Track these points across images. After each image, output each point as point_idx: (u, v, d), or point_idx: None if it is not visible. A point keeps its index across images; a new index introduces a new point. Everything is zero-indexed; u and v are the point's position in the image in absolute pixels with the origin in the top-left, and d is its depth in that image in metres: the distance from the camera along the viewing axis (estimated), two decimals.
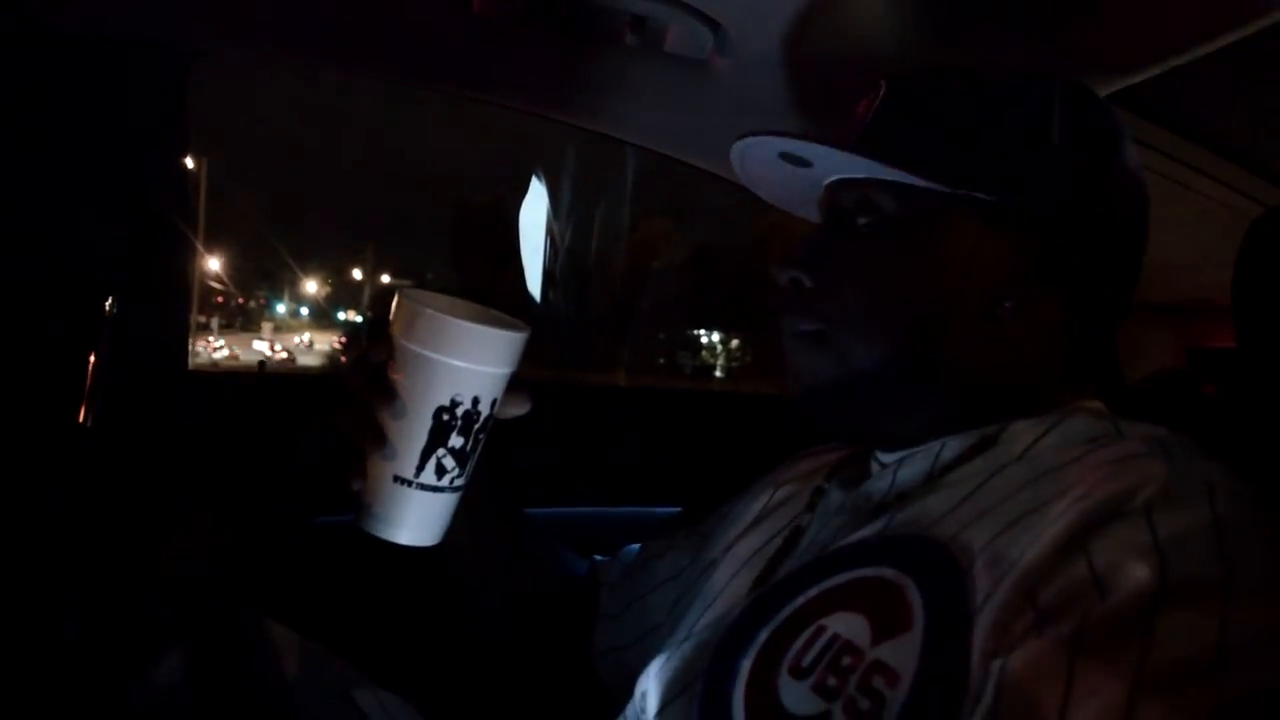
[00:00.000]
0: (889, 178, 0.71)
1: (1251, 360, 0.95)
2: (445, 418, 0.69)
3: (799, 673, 0.61)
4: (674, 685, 0.71)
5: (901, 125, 0.74)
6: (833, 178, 0.76)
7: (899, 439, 0.75)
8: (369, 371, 0.71)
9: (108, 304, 1.20)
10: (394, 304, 0.70)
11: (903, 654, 0.57)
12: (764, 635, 0.65)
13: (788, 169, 0.77)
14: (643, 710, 0.76)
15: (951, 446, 0.71)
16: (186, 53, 1.29)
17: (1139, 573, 0.51)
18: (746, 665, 0.64)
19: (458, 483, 0.72)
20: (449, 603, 1.29)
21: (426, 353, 0.68)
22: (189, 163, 1.45)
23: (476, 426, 0.71)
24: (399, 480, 0.70)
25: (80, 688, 0.70)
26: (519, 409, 0.78)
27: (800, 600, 0.66)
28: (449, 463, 0.70)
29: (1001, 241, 0.71)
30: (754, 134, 0.75)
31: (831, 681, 0.59)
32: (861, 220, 0.73)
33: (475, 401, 0.70)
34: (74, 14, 1.15)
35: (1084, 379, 0.75)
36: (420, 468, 0.70)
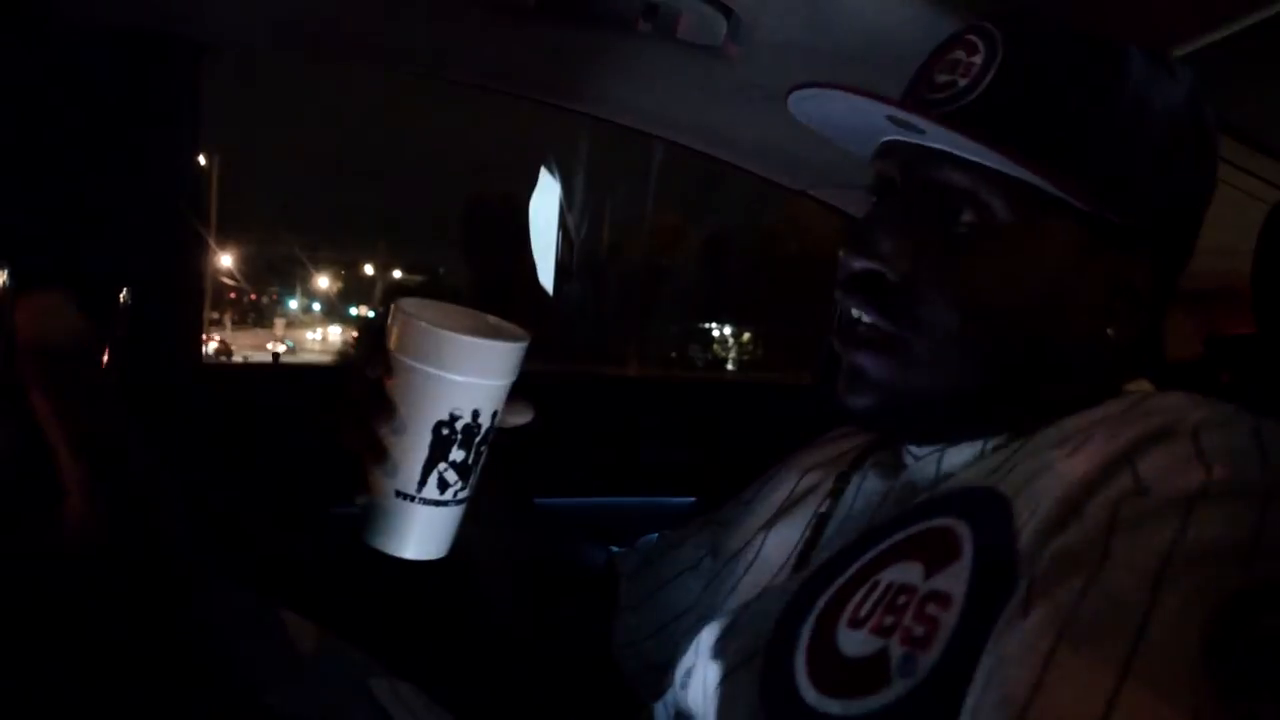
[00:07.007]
0: (1035, 182, 0.62)
1: (1270, 347, 0.94)
2: (445, 432, 0.68)
3: (857, 623, 0.60)
4: (735, 657, 0.70)
5: (1029, 108, 0.64)
6: (933, 145, 0.66)
7: (947, 439, 0.72)
8: (366, 386, 0.69)
9: (123, 294, 1.21)
10: (389, 316, 0.69)
11: (954, 580, 0.57)
12: (822, 602, 0.65)
13: (855, 115, 0.68)
14: (684, 685, 0.75)
15: (998, 438, 0.69)
16: (199, 45, 1.30)
17: (1182, 477, 0.52)
18: (807, 630, 0.64)
19: (461, 495, 0.71)
20: (466, 594, 1.29)
21: (422, 367, 0.66)
22: (201, 158, 1.46)
23: (477, 439, 0.69)
24: (401, 496, 0.69)
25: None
26: (521, 418, 0.76)
27: (854, 567, 0.65)
28: (451, 476, 0.69)
29: (1117, 261, 0.66)
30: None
31: (888, 620, 0.58)
32: (965, 217, 0.65)
33: (475, 415, 0.68)
34: (89, 6, 1.15)
35: (1136, 369, 0.72)
36: (422, 483, 0.68)
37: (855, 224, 0.69)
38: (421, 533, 0.70)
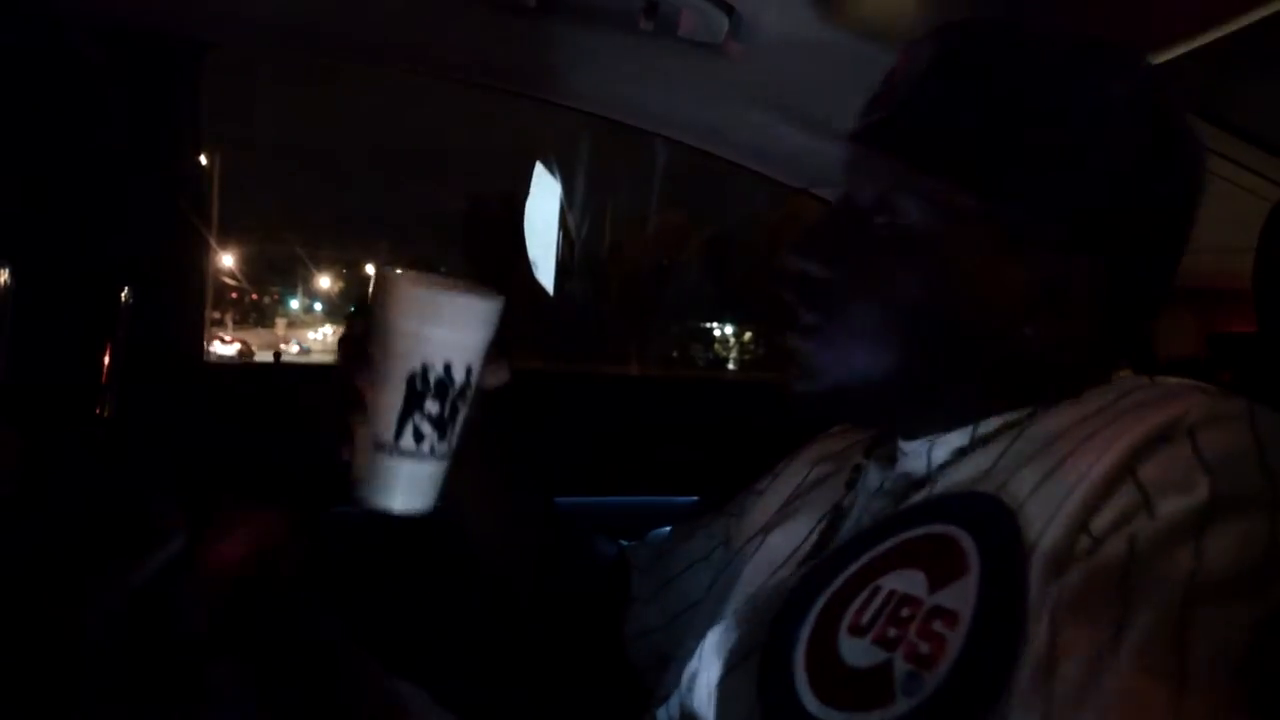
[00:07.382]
0: (935, 184, 0.66)
1: (1271, 345, 0.94)
2: (418, 385, 0.71)
3: (858, 630, 0.60)
4: (733, 656, 0.71)
5: (943, 108, 0.67)
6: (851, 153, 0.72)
7: (921, 431, 0.73)
8: (350, 344, 0.74)
9: (124, 293, 1.21)
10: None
11: (961, 597, 0.57)
12: (821, 602, 0.65)
13: None
14: (690, 688, 0.75)
15: (987, 424, 0.69)
16: (200, 45, 1.30)
17: (1187, 490, 0.52)
18: (805, 632, 0.64)
19: (439, 449, 0.73)
20: (474, 591, 1.29)
21: (391, 318, 0.70)
22: (201, 157, 1.46)
23: (453, 393, 0.72)
24: (379, 447, 0.72)
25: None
26: (498, 379, 0.80)
27: (853, 567, 0.65)
28: (426, 428, 0.72)
29: (1034, 263, 0.66)
30: None
31: (892, 633, 0.58)
32: (879, 219, 0.69)
33: (447, 368, 0.71)
34: (90, 5, 1.15)
35: (1118, 361, 0.71)
36: (399, 434, 0.72)
37: (800, 229, 0.73)
38: (401, 485, 0.73)
